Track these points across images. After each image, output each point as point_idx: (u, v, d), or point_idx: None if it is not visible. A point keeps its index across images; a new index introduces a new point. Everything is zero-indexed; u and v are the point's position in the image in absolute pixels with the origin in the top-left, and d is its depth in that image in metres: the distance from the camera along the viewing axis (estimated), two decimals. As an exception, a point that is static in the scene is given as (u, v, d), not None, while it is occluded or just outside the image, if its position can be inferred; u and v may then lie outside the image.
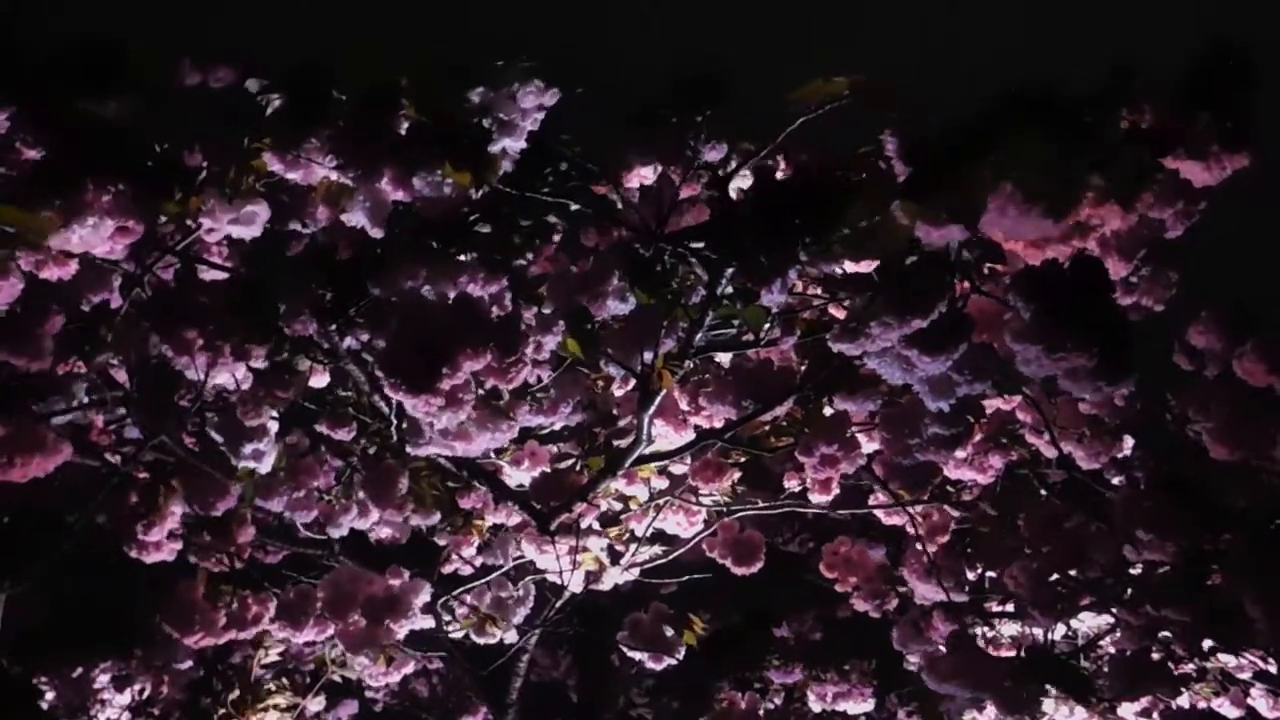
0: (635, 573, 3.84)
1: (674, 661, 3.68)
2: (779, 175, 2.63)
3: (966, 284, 2.31)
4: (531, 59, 2.45)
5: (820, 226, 2.19)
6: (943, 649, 3.61)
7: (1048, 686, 3.64)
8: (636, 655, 3.68)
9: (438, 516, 3.48)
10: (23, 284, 2.37)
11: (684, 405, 3.24)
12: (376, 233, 2.47)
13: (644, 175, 2.78)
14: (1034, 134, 1.87)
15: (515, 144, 2.49)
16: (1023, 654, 3.91)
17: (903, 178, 2.01)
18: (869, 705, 4.70)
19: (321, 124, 2.34)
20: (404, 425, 2.80)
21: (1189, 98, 2.01)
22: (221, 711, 4.45)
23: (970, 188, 1.88)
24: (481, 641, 3.84)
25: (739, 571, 3.69)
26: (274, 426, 2.88)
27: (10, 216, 2.20)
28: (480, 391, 2.62)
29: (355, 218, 2.46)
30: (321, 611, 3.15)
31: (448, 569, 3.90)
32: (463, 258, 2.47)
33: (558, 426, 3.29)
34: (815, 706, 4.76)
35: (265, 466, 2.93)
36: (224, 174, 2.48)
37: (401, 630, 3.16)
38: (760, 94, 2.65)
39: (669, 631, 3.65)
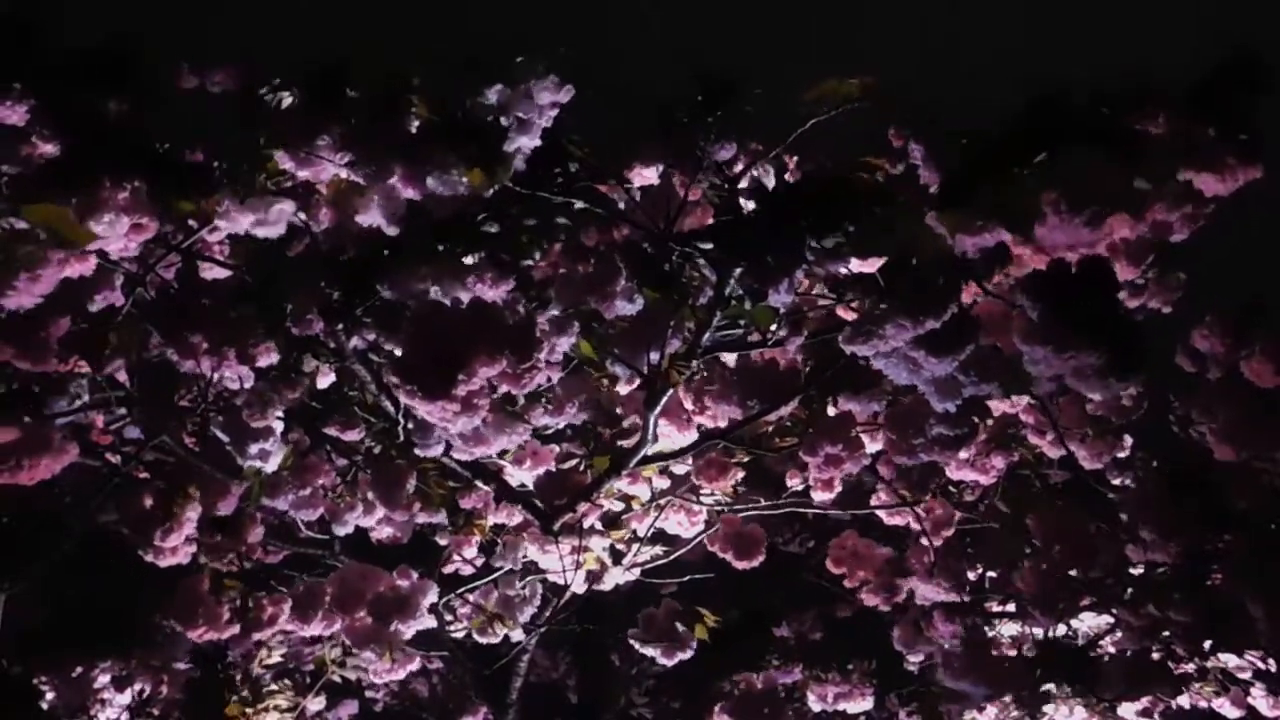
0: (636, 572, 3.84)
1: (685, 656, 3.69)
2: (787, 176, 2.63)
3: (974, 286, 2.31)
4: (551, 56, 2.44)
5: (828, 227, 2.19)
6: (949, 647, 3.62)
7: (1056, 684, 3.65)
8: (649, 651, 3.69)
9: (443, 516, 3.48)
10: (58, 277, 2.36)
11: (689, 405, 3.24)
12: (392, 231, 2.46)
13: (648, 174, 2.78)
14: (1081, 143, 1.86)
15: (530, 142, 2.48)
16: (1031, 651, 3.93)
17: (934, 187, 2.00)
18: (869, 705, 4.70)
19: (335, 121, 2.33)
20: (411, 426, 2.80)
21: (1204, 108, 2.01)
22: (222, 711, 4.45)
23: (1018, 195, 1.87)
24: (482, 641, 3.84)
25: (740, 566, 3.69)
26: (280, 426, 2.87)
27: (47, 216, 2.19)
28: (494, 395, 2.62)
29: (370, 216, 2.44)
30: (329, 606, 3.15)
31: (449, 569, 3.91)
32: (470, 258, 2.46)
33: (562, 425, 3.29)
34: (815, 706, 4.76)
35: (271, 466, 2.92)
36: (237, 173, 2.47)
37: (409, 631, 3.16)
38: (762, 93, 2.65)
39: (680, 627, 3.66)
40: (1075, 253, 2.15)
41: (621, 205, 2.77)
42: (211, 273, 2.86)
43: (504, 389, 2.53)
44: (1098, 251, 2.18)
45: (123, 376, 3.07)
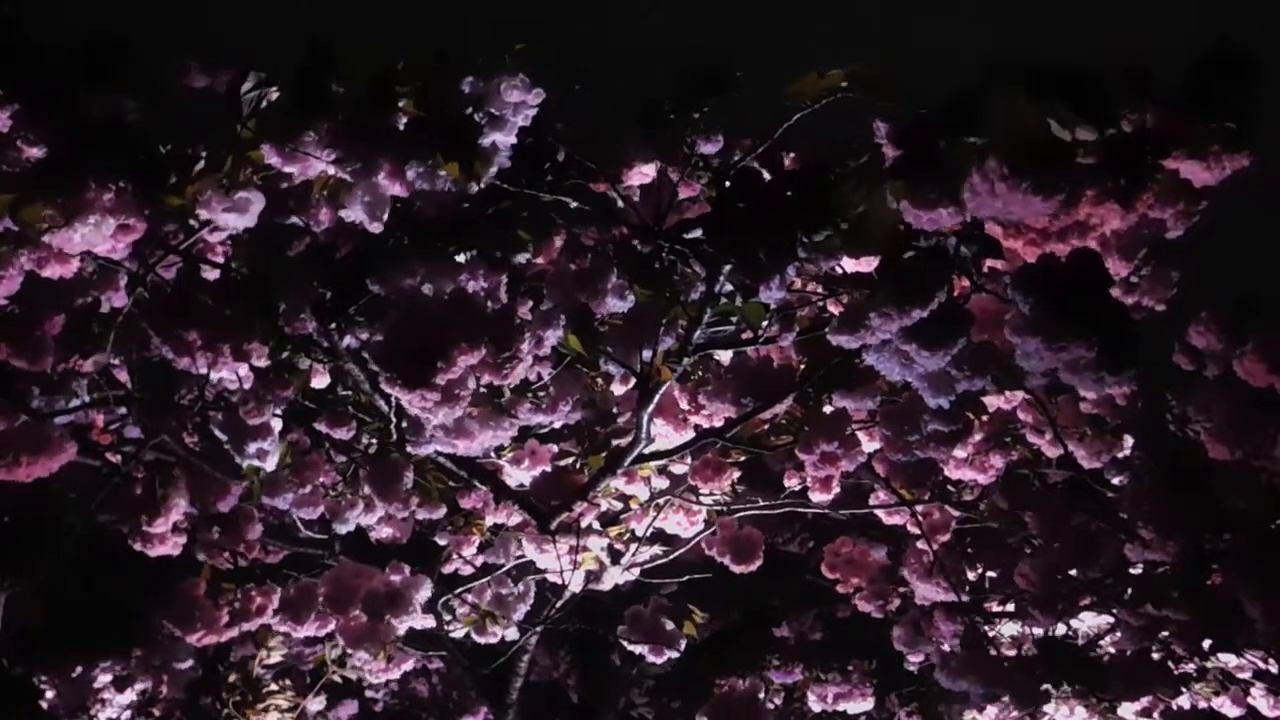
0: (635, 572, 3.84)
1: (675, 655, 3.68)
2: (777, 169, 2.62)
3: (967, 282, 2.31)
4: (528, 52, 2.42)
5: (816, 222, 2.19)
6: (949, 648, 3.62)
7: (1057, 683, 3.64)
8: (637, 649, 3.68)
9: (443, 510, 3.48)
10: (21, 278, 2.37)
11: (684, 404, 3.24)
12: (375, 228, 2.46)
13: (645, 173, 2.78)
14: (1019, 102, 1.83)
15: (505, 139, 2.45)
16: (1033, 649, 3.92)
17: (891, 161, 2.00)
18: (869, 705, 4.70)
19: (321, 117, 2.33)
20: (404, 424, 2.80)
21: (1191, 97, 2.00)
22: (224, 712, 4.46)
23: (955, 162, 1.85)
24: (482, 641, 3.85)
25: (738, 569, 3.69)
26: (277, 424, 2.88)
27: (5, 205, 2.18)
28: (481, 389, 2.62)
29: (354, 213, 2.45)
30: (323, 606, 3.15)
31: (448, 569, 3.91)
32: (461, 256, 2.46)
33: (558, 425, 3.29)
34: (815, 706, 4.77)
35: (270, 464, 2.93)
36: (220, 164, 2.46)
37: (402, 626, 3.16)
38: (760, 88, 2.64)
39: (668, 625, 3.65)
40: (1063, 242, 2.15)
41: (617, 202, 2.78)
42: (213, 272, 2.87)
43: (486, 380, 2.53)
44: (1086, 242, 2.18)
45: (123, 376, 3.08)
